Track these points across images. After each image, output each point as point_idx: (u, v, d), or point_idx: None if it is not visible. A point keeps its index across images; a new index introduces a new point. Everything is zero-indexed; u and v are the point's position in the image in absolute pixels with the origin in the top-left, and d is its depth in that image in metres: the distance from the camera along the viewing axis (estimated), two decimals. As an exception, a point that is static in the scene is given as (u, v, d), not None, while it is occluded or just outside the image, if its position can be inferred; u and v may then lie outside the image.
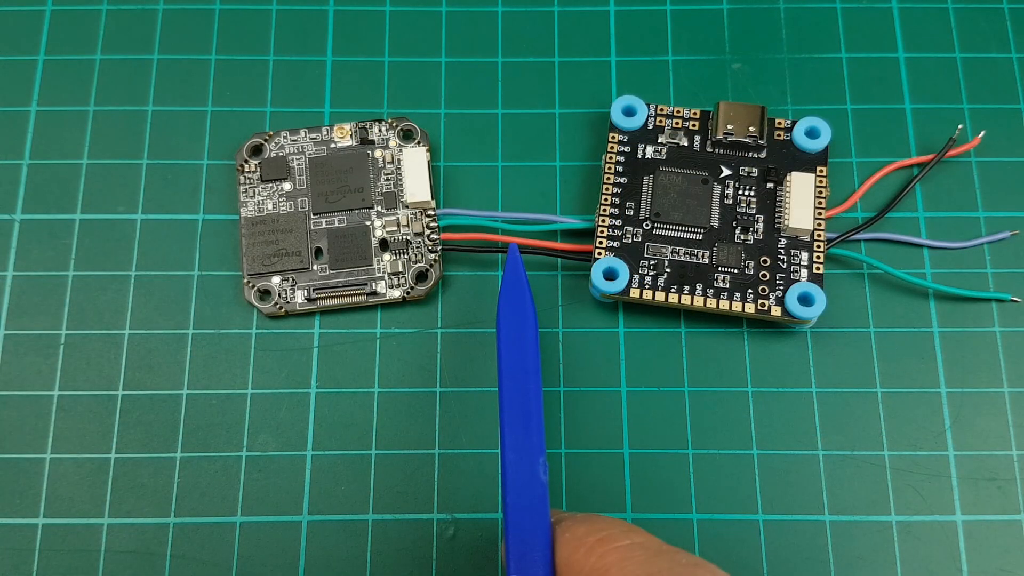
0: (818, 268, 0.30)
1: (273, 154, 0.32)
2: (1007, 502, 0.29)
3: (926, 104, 0.34)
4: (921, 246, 0.32)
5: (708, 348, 0.31)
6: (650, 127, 0.32)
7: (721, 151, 0.32)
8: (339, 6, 0.35)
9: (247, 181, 0.32)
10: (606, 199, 0.31)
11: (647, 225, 0.31)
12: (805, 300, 0.30)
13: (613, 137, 0.32)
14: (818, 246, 0.30)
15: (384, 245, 0.31)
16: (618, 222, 0.31)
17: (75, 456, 0.30)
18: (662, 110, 0.32)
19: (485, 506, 0.29)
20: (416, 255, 0.31)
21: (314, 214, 0.32)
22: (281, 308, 0.31)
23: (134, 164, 0.33)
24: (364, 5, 0.35)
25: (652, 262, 0.30)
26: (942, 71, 0.34)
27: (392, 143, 0.32)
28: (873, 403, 0.30)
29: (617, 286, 0.30)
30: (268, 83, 0.34)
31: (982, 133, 0.32)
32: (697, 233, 0.31)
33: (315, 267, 0.31)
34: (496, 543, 0.29)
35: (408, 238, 0.31)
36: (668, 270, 0.30)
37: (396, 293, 0.31)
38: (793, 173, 0.31)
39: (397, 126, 0.32)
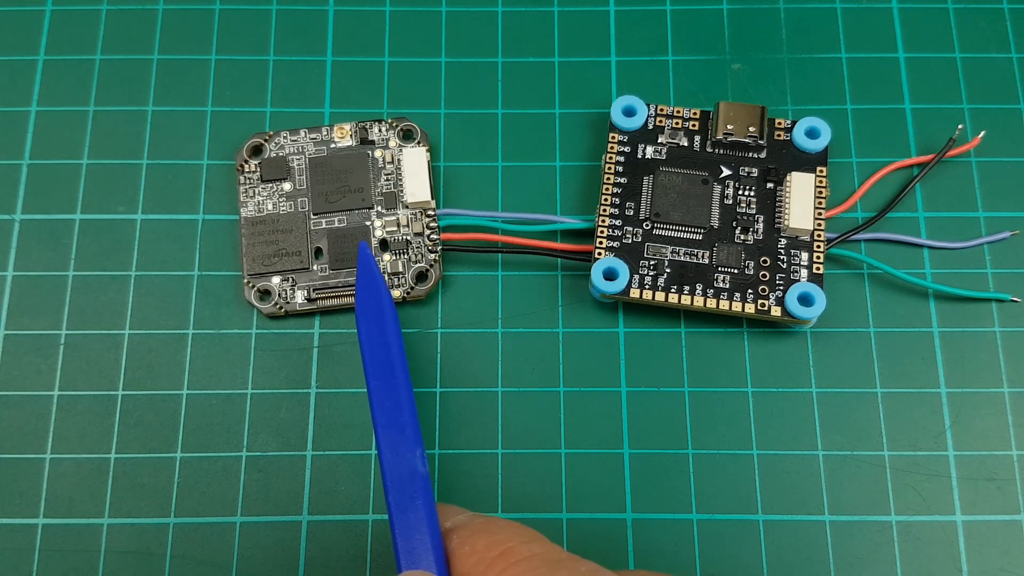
0: (818, 268, 0.30)
1: (273, 154, 0.32)
2: (1007, 502, 0.29)
3: (926, 104, 0.34)
4: (921, 246, 0.32)
5: (708, 348, 0.31)
6: (650, 127, 0.32)
7: (721, 151, 0.32)
8: (339, 6, 0.35)
9: (247, 181, 0.32)
10: (606, 199, 0.31)
11: (647, 225, 0.31)
12: (805, 300, 0.30)
13: (613, 137, 0.32)
14: (818, 246, 0.30)
15: (384, 245, 0.31)
16: (618, 222, 0.31)
17: (75, 456, 0.30)
18: (662, 110, 0.32)
19: (485, 506, 0.29)
20: (416, 255, 0.31)
21: (314, 214, 0.32)
22: (281, 308, 0.31)
23: (134, 164, 0.33)
24: (364, 5, 0.35)
25: (652, 262, 0.30)
26: (942, 71, 0.34)
27: (392, 143, 0.32)
28: (873, 403, 0.30)
29: (617, 286, 0.30)
30: (268, 83, 0.34)
31: (982, 133, 0.32)
32: (697, 233, 0.31)
33: (315, 267, 0.31)
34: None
35: (408, 238, 0.31)
36: (668, 270, 0.30)
37: (396, 293, 0.31)
38: (793, 173, 0.31)
39: (397, 126, 0.32)
